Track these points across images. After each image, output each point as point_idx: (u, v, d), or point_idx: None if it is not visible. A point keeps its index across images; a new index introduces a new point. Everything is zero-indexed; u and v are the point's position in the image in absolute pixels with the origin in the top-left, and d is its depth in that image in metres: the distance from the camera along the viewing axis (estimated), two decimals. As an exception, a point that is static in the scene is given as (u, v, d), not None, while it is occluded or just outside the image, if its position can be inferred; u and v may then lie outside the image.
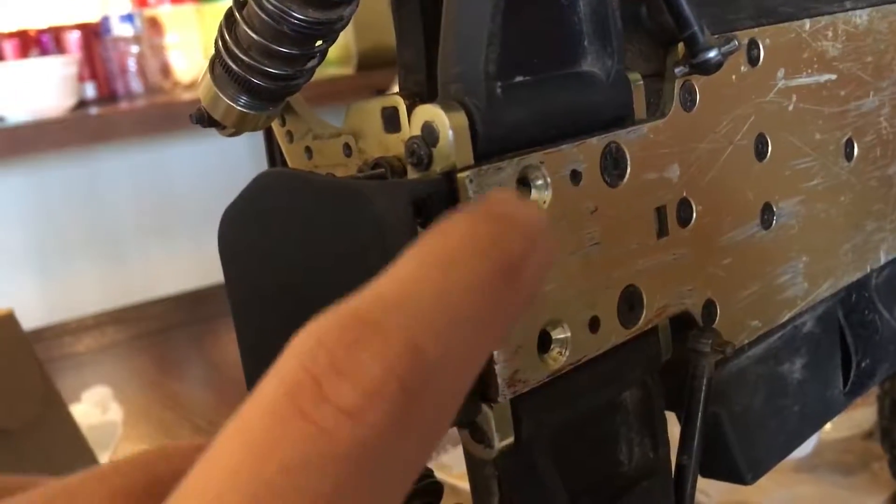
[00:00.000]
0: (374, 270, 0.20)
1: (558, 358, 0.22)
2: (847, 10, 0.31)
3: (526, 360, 0.21)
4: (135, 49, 1.81)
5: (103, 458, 0.72)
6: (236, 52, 0.27)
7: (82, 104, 1.64)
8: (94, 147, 1.62)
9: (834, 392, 0.32)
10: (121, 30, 1.79)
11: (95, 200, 1.63)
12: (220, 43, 0.28)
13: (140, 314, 1.32)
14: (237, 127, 0.29)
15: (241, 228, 0.21)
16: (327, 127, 0.30)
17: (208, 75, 0.29)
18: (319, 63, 0.28)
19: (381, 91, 1.49)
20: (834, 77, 0.31)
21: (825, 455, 0.61)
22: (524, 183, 0.22)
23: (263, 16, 0.26)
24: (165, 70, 1.84)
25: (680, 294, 0.26)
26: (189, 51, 1.83)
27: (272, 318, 0.21)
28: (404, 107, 0.27)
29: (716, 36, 0.26)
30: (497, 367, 0.21)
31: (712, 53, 0.25)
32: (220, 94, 0.28)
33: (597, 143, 0.23)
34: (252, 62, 0.27)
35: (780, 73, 0.29)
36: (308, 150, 0.31)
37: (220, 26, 0.28)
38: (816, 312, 0.31)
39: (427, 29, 0.27)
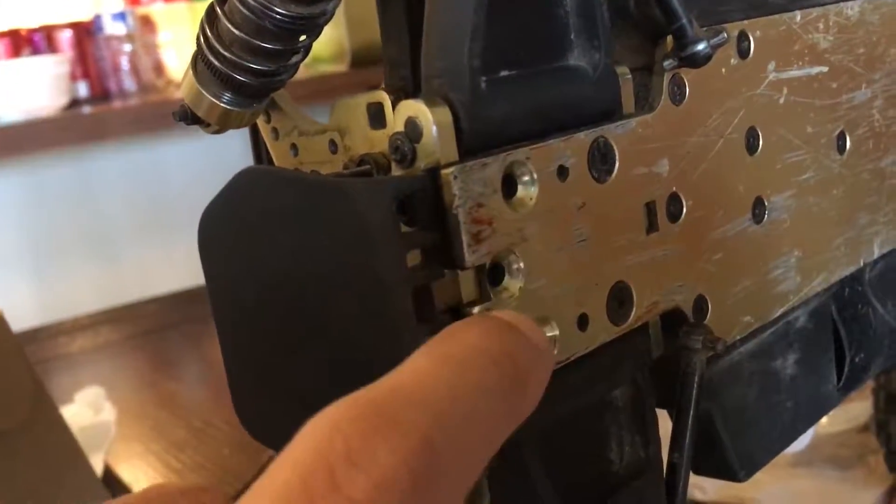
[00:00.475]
0: (357, 269, 0.19)
1: (546, 357, 0.22)
2: (838, 2, 0.31)
3: (513, 360, 0.21)
4: (127, 47, 1.80)
5: (97, 458, 0.71)
6: (218, 48, 0.27)
7: (75, 103, 1.63)
8: (88, 146, 1.61)
9: (828, 387, 0.32)
10: (113, 28, 1.78)
11: (89, 200, 1.62)
12: (201, 39, 0.28)
13: (135, 313, 1.31)
14: (221, 124, 0.29)
15: (222, 228, 0.20)
16: (313, 123, 0.30)
17: (191, 72, 0.28)
18: (303, 58, 0.27)
19: (376, 88, 1.49)
20: (825, 69, 0.31)
21: (821, 449, 0.61)
22: (510, 179, 0.22)
23: (245, 11, 0.25)
24: (158, 68, 1.83)
25: (670, 290, 0.25)
26: (182, 49, 1.82)
27: (255, 318, 0.21)
28: (389, 102, 0.27)
29: (705, 28, 0.26)
30: (483, 367, 0.20)
31: (701, 46, 0.24)
32: (203, 92, 0.28)
33: (584, 137, 0.23)
34: (234, 58, 0.27)
35: (771, 65, 0.28)
36: (294, 146, 0.30)
37: (202, 22, 0.28)
38: (809, 307, 0.31)
39: (412, 23, 0.26)
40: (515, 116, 0.22)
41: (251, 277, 0.21)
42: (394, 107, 0.26)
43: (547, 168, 0.22)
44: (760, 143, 0.28)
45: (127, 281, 1.50)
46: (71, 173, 1.64)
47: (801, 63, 0.30)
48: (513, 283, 0.21)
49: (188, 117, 0.29)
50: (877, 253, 0.33)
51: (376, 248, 0.19)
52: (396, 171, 0.21)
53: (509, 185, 0.21)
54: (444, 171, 0.20)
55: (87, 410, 0.76)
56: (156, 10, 1.86)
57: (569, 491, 0.24)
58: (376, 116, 0.27)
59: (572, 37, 0.24)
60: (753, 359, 0.28)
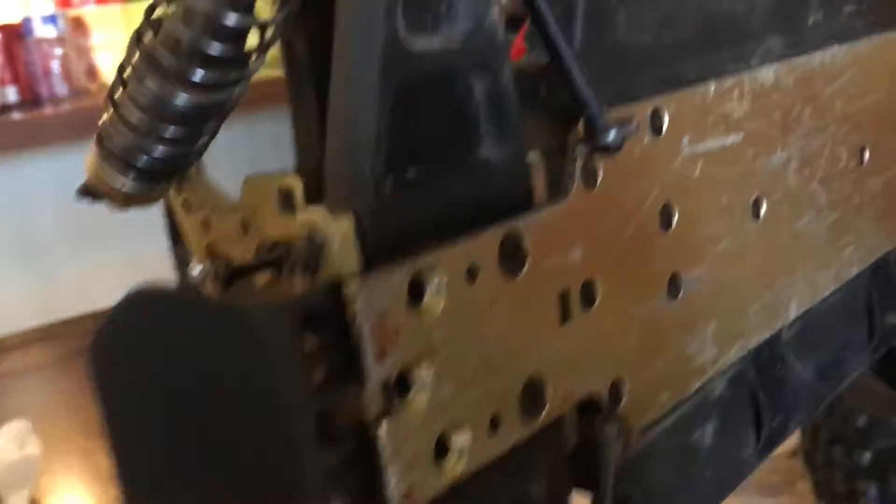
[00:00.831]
0: (258, 393, 0.19)
1: (457, 465, 0.21)
2: (753, 68, 0.31)
3: (422, 473, 0.21)
4: (58, 51, 1.75)
5: (22, 495, 0.69)
6: (123, 131, 0.26)
7: (4, 109, 1.58)
8: (19, 153, 1.56)
9: (746, 452, 0.32)
10: (43, 31, 1.73)
11: (20, 209, 1.57)
12: (105, 120, 0.26)
13: (69, 330, 1.27)
14: (126, 204, 0.28)
15: (116, 352, 0.20)
16: (224, 200, 0.29)
17: (95, 151, 0.27)
18: (210, 140, 0.27)
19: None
20: (741, 138, 0.31)
21: (750, 475, 0.62)
22: (417, 284, 0.21)
23: (148, 97, 0.24)
24: (91, 72, 1.79)
25: (585, 379, 0.25)
26: (115, 51, 1.78)
27: (153, 441, 0.20)
28: (300, 187, 0.26)
29: (619, 109, 0.26)
30: (390, 485, 0.20)
31: (612, 136, 0.24)
32: (107, 173, 0.27)
33: (494, 234, 0.23)
34: (139, 143, 0.26)
35: (686, 139, 0.28)
36: (205, 224, 0.30)
37: (106, 102, 0.26)
38: (727, 375, 0.31)
39: (321, 108, 0.25)
40: (423, 217, 0.22)
41: (147, 400, 0.20)
42: (305, 192, 0.26)
43: (456, 271, 0.22)
44: (675, 218, 0.28)
45: (61, 295, 1.45)
46: (1, 182, 1.58)
47: (715, 134, 0.30)
48: (420, 395, 0.21)
49: (92, 194, 0.28)
50: (793, 315, 0.33)
51: (278, 374, 0.19)
52: (300, 279, 0.21)
53: (416, 290, 0.21)
54: (347, 287, 0.20)
55: (11, 445, 0.73)
56: (88, 12, 1.81)
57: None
58: (287, 201, 0.26)
59: (482, 128, 0.23)
60: (671, 435, 0.29)
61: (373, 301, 0.20)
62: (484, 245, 0.22)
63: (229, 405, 0.19)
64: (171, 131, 0.25)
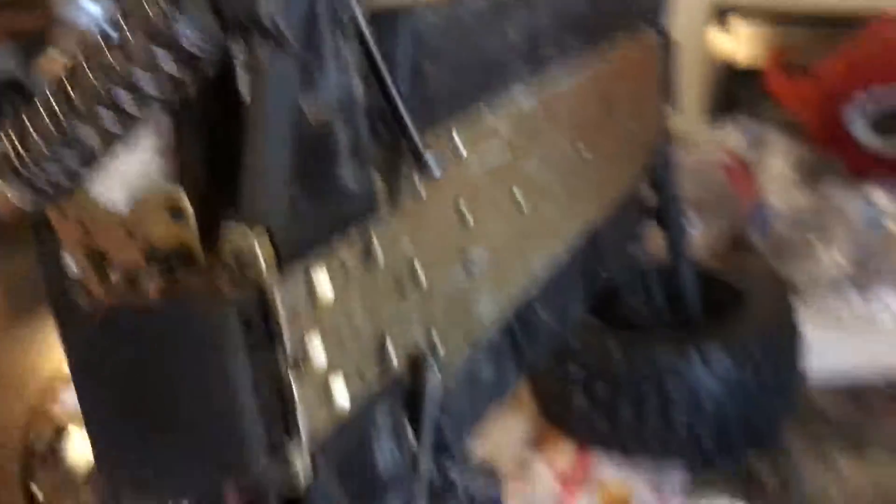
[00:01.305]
0: (214, 362, 0.26)
1: (342, 403, 0.30)
2: (514, 96, 0.42)
3: (319, 409, 0.29)
4: None
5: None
6: (29, 157, 0.30)
7: None
8: None
9: (511, 379, 0.44)
10: None
11: None
12: (8, 151, 0.31)
13: None
14: (19, 218, 0.32)
15: (93, 350, 0.26)
16: (103, 210, 0.34)
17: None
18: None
19: (19, 35, 1.38)
20: (507, 150, 0.41)
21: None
22: (311, 281, 0.29)
23: (61, 137, 0.29)
24: None
25: (414, 336, 0.35)
26: None
27: (124, 408, 0.27)
28: (187, 202, 0.32)
29: (431, 137, 0.35)
30: (299, 420, 0.28)
31: (432, 166, 0.33)
32: (9, 192, 0.31)
33: (355, 238, 0.31)
34: (43, 171, 0.30)
35: (473, 156, 0.38)
36: (83, 229, 0.34)
37: (6, 131, 0.31)
38: (499, 327, 0.42)
39: (204, 137, 0.32)
40: (309, 230, 0.30)
41: (121, 378, 0.26)
42: (192, 205, 0.32)
43: (334, 268, 0.30)
44: (467, 214, 0.38)
45: None
46: None
47: (491, 149, 0.40)
48: (316, 356, 0.29)
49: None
50: (540, 276, 0.45)
51: (227, 347, 0.26)
52: (229, 283, 0.28)
53: (310, 284, 0.29)
54: (268, 285, 0.27)
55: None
56: None
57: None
58: (176, 212, 0.32)
59: (345, 163, 0.31)
60: (465, 374, 0.39)
61: (285, 295, 0.28)
62: (349, 247, 0.31)
63: (191, 375, 0.26)
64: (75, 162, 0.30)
